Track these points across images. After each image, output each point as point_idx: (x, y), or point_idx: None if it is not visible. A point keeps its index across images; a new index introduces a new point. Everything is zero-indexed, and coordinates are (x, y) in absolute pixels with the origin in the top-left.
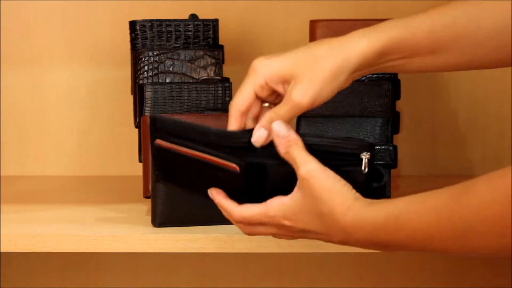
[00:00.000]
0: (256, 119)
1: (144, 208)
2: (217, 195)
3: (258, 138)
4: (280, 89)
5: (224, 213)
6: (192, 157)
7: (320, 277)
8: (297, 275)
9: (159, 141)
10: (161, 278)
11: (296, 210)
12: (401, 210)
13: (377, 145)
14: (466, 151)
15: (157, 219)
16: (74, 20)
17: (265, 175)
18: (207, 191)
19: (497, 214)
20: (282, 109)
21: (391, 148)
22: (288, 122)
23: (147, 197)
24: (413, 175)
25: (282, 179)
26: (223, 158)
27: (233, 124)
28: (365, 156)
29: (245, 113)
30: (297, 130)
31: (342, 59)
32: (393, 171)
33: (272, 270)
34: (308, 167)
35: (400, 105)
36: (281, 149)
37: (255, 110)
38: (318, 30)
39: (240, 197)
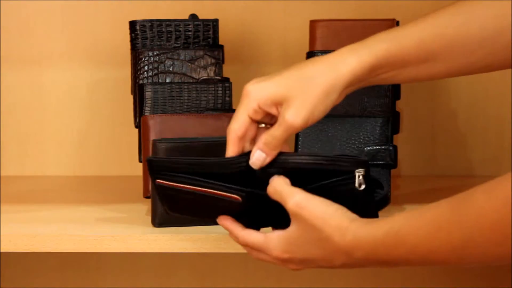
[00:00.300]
0: (253, 141)
1: (144, 208)
2: (224, 221)
3: (256, 160)
4: (273, 111)
5: (233, 236)
6: (193, 192)
7: (320, 277)
8: (297, 275)
9: (159, 181)
10: (161, 278)
11: (293, 242)
12: (400, 225)
13: (377, 145)
14: (466, 151)
15: (157, 219)
16: (74, 20)
17: (267, 200)
18: (213, 216)
19: (495, 222)
20: (276, 131)
21: (391, 148)
22: (283, 142)
23: (147, 197)
24: (413, 175)
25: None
26: (223, 191)
27: (232, 149)
28: (359, 173)
29: (242, 137)
30: (297, 136)
31: (333, 78)
32: (393, 171)
33: (272, 270)
34: (295, 199)
35: (400, 105)
36: (268, 189)
37: (251, 132)
38: (318, 30)
39: (243, 219)
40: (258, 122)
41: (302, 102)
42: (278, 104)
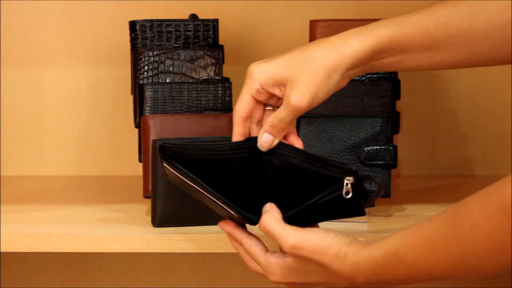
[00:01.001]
0: (260, 123)
1: (144, 208)
2: (226, 227)
3: (264, 143)
4: (276, 92)
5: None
6: (196, 187)
7: None
8: None
9: (167, 166)
10: (161, 278)
11: (293, 270)
12: (397, 245)
13: (377, 145)
14: (466, 151)
15: (157, 219)
16: (74, 20)
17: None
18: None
19: (491, 231)
20: (282, 113)
21: (391, 148)
22: (289, 124)
23: (147, 197)
24: (413, 175)
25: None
26: (223, 202)
27: (237, 129)
28: (348, 181)
29: (248, 118)
30: (298, 130)
31: (335, 58)
32: (393, 171)
33: None
34: (289, 241)
35: (400, 105)
36: (260, 224)
37: (257, 114)
38: (318, 30)
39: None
40: (264, 105)
41: (306, 84)
42: (281, 85)
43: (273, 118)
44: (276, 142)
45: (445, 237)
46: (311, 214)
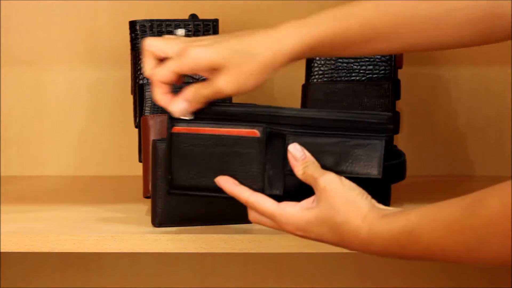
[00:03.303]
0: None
1: (144, 208)
2: (226, 184)
3: (176, 109)
4: (205, 74)
5: (239, 200)
6: (210, 136)
7: (320, 277)
8: (297, 275)
9: (177, 128)
10: (161, 278)
11: (310, 221)
12: (414, 224)
13: None
14: (466, 151)
15: (157, 219)
16: (74, 20)
17: (285, 145)
18: (226, 173)
19: (507, 227)
20: (205, 90)
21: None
22: (207, 101)
23: (147, 197)
24: (413, 175)
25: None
26: (241, 126)
27: (158, 91)
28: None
29: (167, 84)
30: None
31: (270, 56)
32: None
33: (272, 270)
34: (325, 176)
35: (400, 105)
36: (298, 170)
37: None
38: None
39: (258, 179)
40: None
41: (236, 75)
42: (213, 70)
43: (194, 92)
44: (188, 111)
45: (461, 225)
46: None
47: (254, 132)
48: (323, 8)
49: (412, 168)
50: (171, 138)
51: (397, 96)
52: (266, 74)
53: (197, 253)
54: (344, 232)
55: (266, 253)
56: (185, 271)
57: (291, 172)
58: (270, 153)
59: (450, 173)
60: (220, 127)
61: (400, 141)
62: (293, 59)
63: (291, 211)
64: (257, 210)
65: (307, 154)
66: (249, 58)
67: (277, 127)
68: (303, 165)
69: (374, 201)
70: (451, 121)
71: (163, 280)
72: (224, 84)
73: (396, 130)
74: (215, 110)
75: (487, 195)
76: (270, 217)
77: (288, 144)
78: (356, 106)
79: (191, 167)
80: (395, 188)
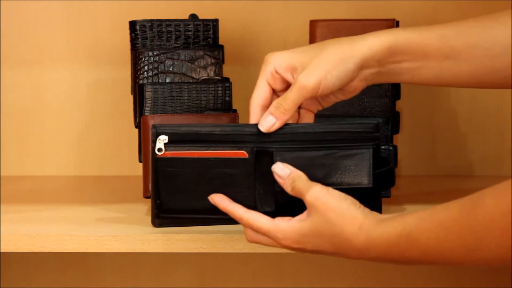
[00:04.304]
0: None
1: (144, 208)
2: (220, 201)
3: (265, 122)
4: (289, 77)
5: (233, 217)
6: (198, 159)
7: (320, 277)
8: (297, 275)
9: (162, 154)
10: (161, 278)
11: (306, 233)
12: (411, 227)
13: None
14: (466, 151)
15: (157, 219)
16: (74, 20)
17: (273, 162)
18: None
19: (504, 228)
20: (289, 93)
21: (391, 148)
22: (296, 106)
23: (147, 197)
24: (413, 175)
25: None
26: (229, 148)
27: (254, 118)
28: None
29: (264, 107)
30: None
31: (349, 48)
32: None
33: (272, 270)
34: (312, 191)
35: (400, 105)
36: (287, 188)
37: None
38: (318, 30)
39: (249, 198)
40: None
41: (315, 65)
42: (294, 69)
43: (280, 99)
44: (277, 125)
45: (459, 226)
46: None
47: (242, 153)
48: (324, 9)
49: (412, 168)
50: (156, 163)
51: (397, 96)
52: (347, 66)
53: (197, 253)
54: (341, 242)
55: (266, 253)
56: (185, 271)
57: (281, 188)
58: (259, 172)
59: (450, 173)
60: (207, 150)
61: (400, 141)
62: (373, 60)
63: (286, 225)
64: (252, 227)
65: (292, 169)
66: (327, 49)
67: (264, 145)
68: (290, 181)
69: (367, 210)
70: (451, 121)
71: (163, 280)
72: (304, 78)
73: (396, 130)
74: (200, 132)
75: (484, 195)
76: (266, 233)
77: (275, 161)
78: (356, 106)
79: (179, 190)
80: (395, 188)
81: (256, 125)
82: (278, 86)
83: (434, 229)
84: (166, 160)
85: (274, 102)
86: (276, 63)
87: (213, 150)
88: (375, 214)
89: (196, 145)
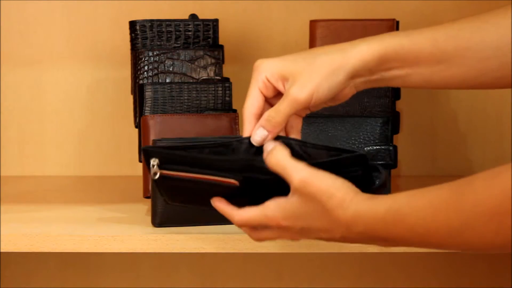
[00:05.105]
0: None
1: (144, 208)
2: (219, 204)
3: (257, 137)
4: (280, 86)
5: (229, 219)
6: (191, 180)
7: (320, 277)
8: (297, 275)
9: (161, 172)
10: (161, 278)
11: (294, 210)
12: (401, 204)
13: (377, 145)
14: (466, 151)
15: (157, 219)
16: (74, 20)
17: (265, 183)
18: (210, 204)
19: (492, 210)
20: (280, 105)
21: (391, 148)
22: (287, 118)
23: (147, 197)
24: (413, 175)
25: (282, 186)
26: (220, 176)
27: (248, 127)
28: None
29: (258, 115)
30: None
31: (340, 58)
32: (393, 171)
33: (272, 270)
34: (300, 174)
35: (400, 105)
36: (268, 162)
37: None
38: (318, 30)
39: (242, 204)
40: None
41: (307, 77)
42: (285, 79)
43: (270, 111)
44: (269, 137)
45: (447, 206)
46: None
47: (233, 182)
48: (324, 9)
49: (412, 168)
50: (154, 182)
51: (397, 96)
52: (338, 77)
53: (197, 253)
54: (331, 217)
55: (266, 253)
56: (185, 271)
57: (270, 181)
58: (250, 194)
59: (450, 173)
60: (199, 174)
61: (400, 141)
62: (364, 68)
63: (273, 203)
64: (247, 222)
65: (277, 143)
66: (318, 59)
67: (255, 175)
68: (273, 152)
69: (358, 190)
70: (451, 121)
71: (163, 280)
72: (296, 90)
73: (396, 130)
74: (193, 158)
75: (476, 178)
76: (258, 219)
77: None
78: (356, 106)
79: (177, 194)
80: (395, 188)
81: (246, 151)
82: (270, 93)
83: (422, 208)
84: (163, 178)
85: (265, 115)
86: (268, 72)
87: (205, 175)
88: (366, 194)
89: (187, 167)
